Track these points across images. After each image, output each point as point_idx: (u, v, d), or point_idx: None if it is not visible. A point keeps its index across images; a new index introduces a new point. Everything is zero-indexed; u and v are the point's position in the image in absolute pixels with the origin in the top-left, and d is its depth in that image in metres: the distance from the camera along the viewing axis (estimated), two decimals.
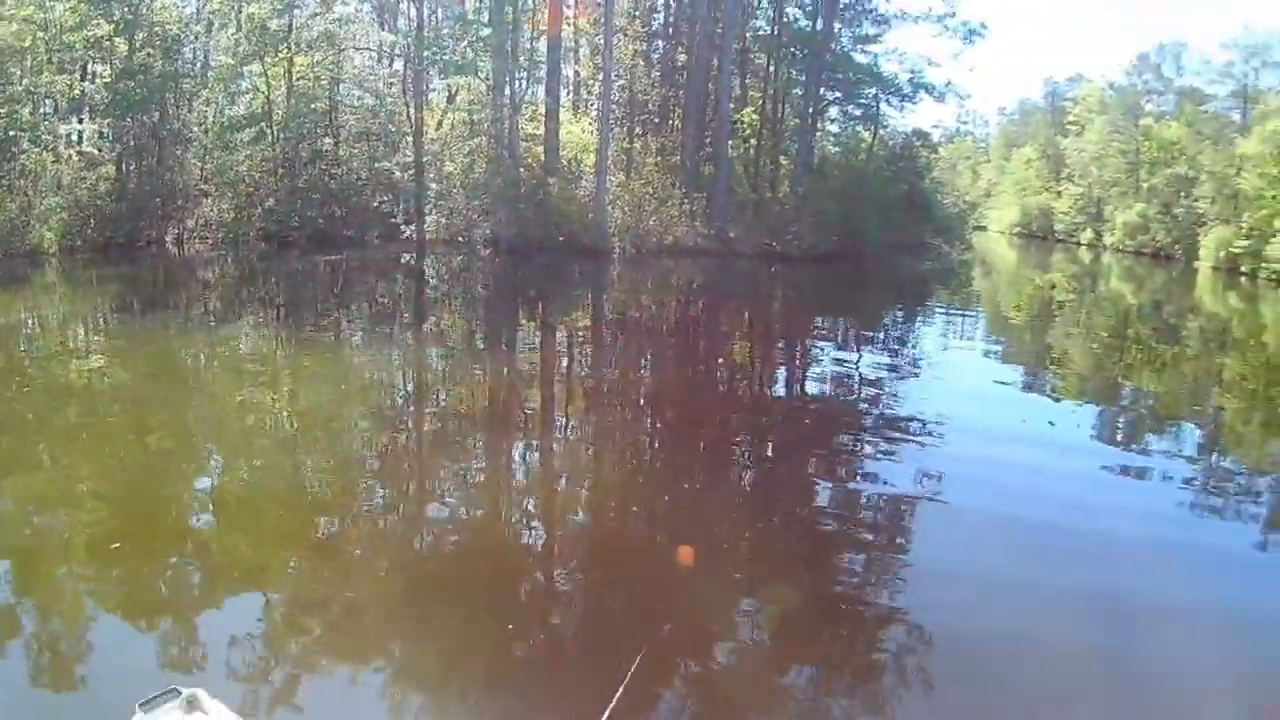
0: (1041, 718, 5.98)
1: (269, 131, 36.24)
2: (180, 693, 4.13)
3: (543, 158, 36.18)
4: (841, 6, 43.33)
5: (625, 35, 42.92)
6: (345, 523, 8.53)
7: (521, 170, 35.25)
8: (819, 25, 42.22)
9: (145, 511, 8.63)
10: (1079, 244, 67.51)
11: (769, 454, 12.40)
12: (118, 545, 7.68)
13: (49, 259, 32.14)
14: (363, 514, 8.84)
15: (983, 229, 77.55)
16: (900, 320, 26.37)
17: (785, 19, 44.27)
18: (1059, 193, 73.00)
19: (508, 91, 36.18)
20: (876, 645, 6.81)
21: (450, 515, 9.03)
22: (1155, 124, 62.84)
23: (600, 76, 39.12)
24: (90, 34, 36.48)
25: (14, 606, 6.66)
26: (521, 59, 38.13)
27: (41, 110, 37.91)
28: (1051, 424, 13.46)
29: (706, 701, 6.00)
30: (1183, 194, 55.92)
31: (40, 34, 35.50)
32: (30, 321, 21.11)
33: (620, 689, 4.97)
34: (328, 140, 37.76)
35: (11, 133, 34.20)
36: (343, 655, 6.16)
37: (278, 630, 6.40)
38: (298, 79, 36.57)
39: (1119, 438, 13.90)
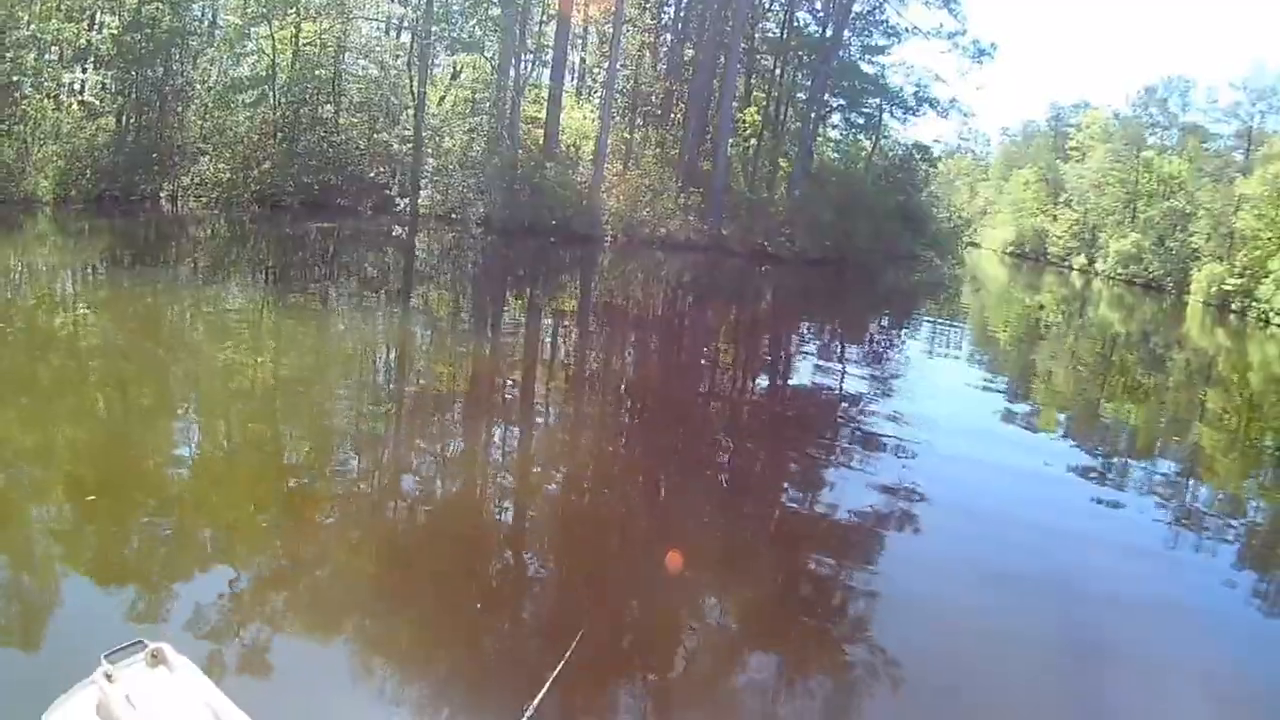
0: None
1: (271, 95, 36.16)
2: (146, 645, 4.20)
3: (542, 141, 36.21)
4: (853, 16, 43.29)
5: (634, 26, 43.01)
6: (319, 488, 8.59)
7: (520, 152, 35.27)
8: (829, 32, 42.26)
9: (123, 466, 8.68)
10: (1071, 268, 67.57)
11: (745, 443, 12.47)
12: (94, 498, 7.74)
13: (43, 208, 32.04)
14: (337, 480, 8.90)
15: (976, 246, 77.61)
16: (886, 328, 26.44)
17: (795, 23, 44.25)
18: (1055, 216, 72.97)
19: (512, 73, 36.16)
20: (840, 629, 7.07)
21: (421, 486, 9.12)
22: (1157, 157, 62.90)
23: (606, 65, 39.13)
24: None
25: None
26: (529, 41, 38.09)
27: (46, 57, 37.78)
28: (1026, 438, 13.82)
29: (640, 683, 6.13)
30: (1178, 228, 56.08)
31: None
32: (19, 269, 21.09)
33: (558, 667, 5.05)
34: (329, 108, 37.68)
35: (15, 78, 34.04)
36: (309, 617, 6.26)
37: (247, 590, 6.45)
38: (304, 44, 36.50)
39: (1090, 444, 14.21)
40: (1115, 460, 13.67)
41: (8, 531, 7.03)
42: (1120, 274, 59.43)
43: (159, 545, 7.13)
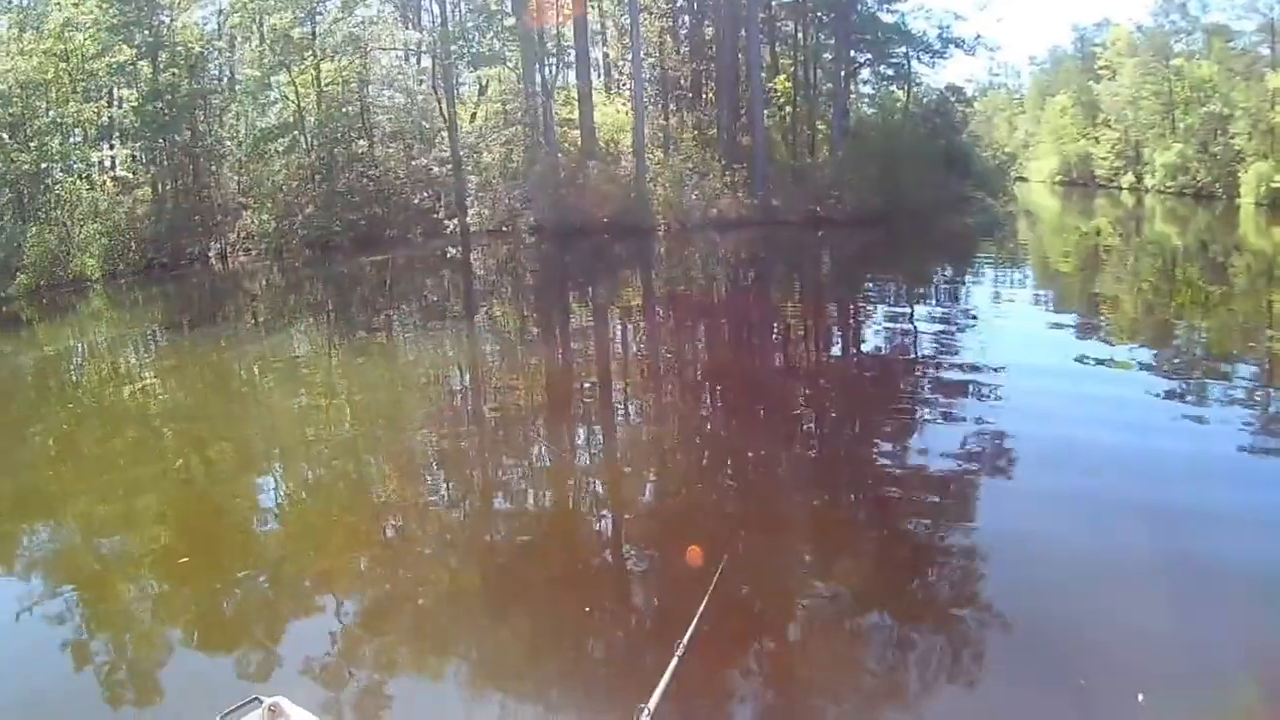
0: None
1: (302, 139, 36.20)
2: (262, 701, 4.17)
3: (579, 142, 35.92)
4: None
5: (650, 13, 42.66)
6: (413, 522, 8.42)
7: (559, 155, 34.99)
8: None
9: (210, 525, 8.66)
10: (1120, 188, 66.06)
11: (830, 409, 12.08)
12: (185, 560, 7.70)
13: (93, 285, 32.27)
14: (429, 512, 8.69)
15: (1024, 180, 76.02)
16: (948, 275, 25.84)
17: None
18: (1096, 139, 71.37)
19: (538, 79, 35.91)
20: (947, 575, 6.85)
21: (516, 506, 8.88)
22: (1186, 63, 61.62)
23: (629, 56, 38.78)
24: (112, 60, 36.62)
25: (89, 627, 6.70)
26: (549, 45, 37.85)
27: (71, 139, 38.12)
28: (1105, 362, 13.46)
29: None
30: (1219, 132, 54.75)
31: (62, 65, 35.61)
32: (80, 348, 21.24)
33: (704, 601, 5.04)
34: (362, 143, 37.69)
35: (43, 164, 34.38)
36: (421, 653, 6.12)
37: (354, 634, 6.33)
38: (326, 84, 36.51)
39: (1170, 369, 13.63)
40: (1194, 377, 13.09)
41: (108, 601, 7.07)
42: (1169, 187, 58.17)
43: (262, 599, 7.04)
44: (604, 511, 8.65)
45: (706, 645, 5.03)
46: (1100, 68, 72.65)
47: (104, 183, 37.75)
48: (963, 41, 43.63)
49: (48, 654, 6.23)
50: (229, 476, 10.24)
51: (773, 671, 5.78)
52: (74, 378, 18.03)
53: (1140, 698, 5.02)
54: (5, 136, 35.04)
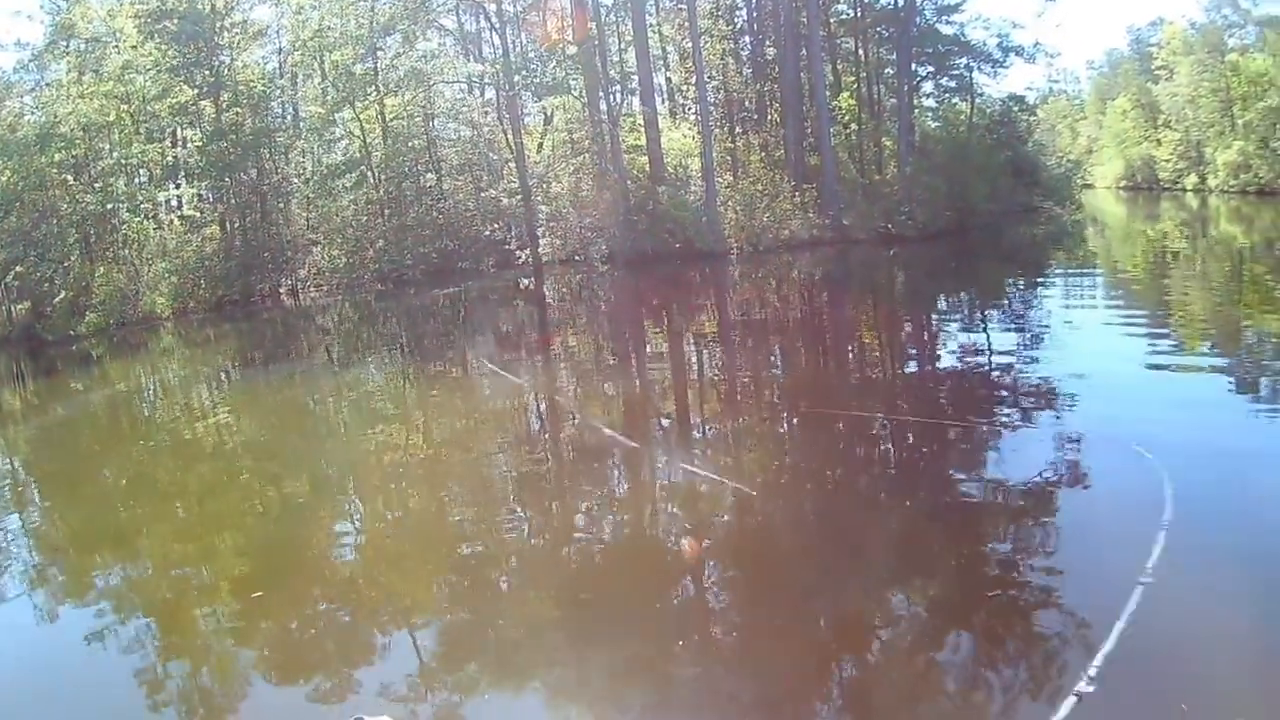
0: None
1: (370, 174, 36.46)
2: None
3: (648, 168, 35.86)
4: None
5: (711, 36, 42.54)
6: (493, 553, 8.27)
7: (629, 183, 34.88)
8: (901, 1, 41.38)
9: (285, 559, 8.67)
10: (1184, 190, 64.87)
11: (909, 430, 11.69)
12: (259, 594, 7.71)
13: (163, 323, 32.75)
14: (510, 543, 8.52)
15: (1090, 186, 74.87)
16: (1021, 288, 25.41)
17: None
18: (1158, 141, 70.25)
19: (603, 106, 35.83)
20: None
21: (598, 537, 8.68)
22: (1240, 58, 60.61)
23: (692, 80, 38.71)
24: (174, 101, 37.13)
25: (161, 657, 6.76)
26: (612, 72, 37.78)
27: (137, 180, 38.73)
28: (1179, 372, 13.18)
29: None
30: (1278, 126, 53.88)
31: (124, 107, 36.15)
32: (151, 385, 21.50)
33: None
34: (430, 176, 37.91)
35: (109, 205, 34.95)
36: (510, 682, 6.01)
37: (439, 665, 6.23)
38: (391, 119, 36.76)
39: (1241, 366, 13.23)
40: (1270, 376, 12.76)
41: (180, 633, 7.19)
42: (1232, 186, 57.14)
43: (335, 630, 7.01)
44: (681, 541, 8.26)
45: None
46: (1157, 68, 71.59)
47: (171, 222, 38.33)
48: (1023, 49, 43.07)
49: (120, 684, 6.30)
50: (303, 510, 10.27)
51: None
52: (146, 413, 18.36)
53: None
54: (70, 178, 35.75)
